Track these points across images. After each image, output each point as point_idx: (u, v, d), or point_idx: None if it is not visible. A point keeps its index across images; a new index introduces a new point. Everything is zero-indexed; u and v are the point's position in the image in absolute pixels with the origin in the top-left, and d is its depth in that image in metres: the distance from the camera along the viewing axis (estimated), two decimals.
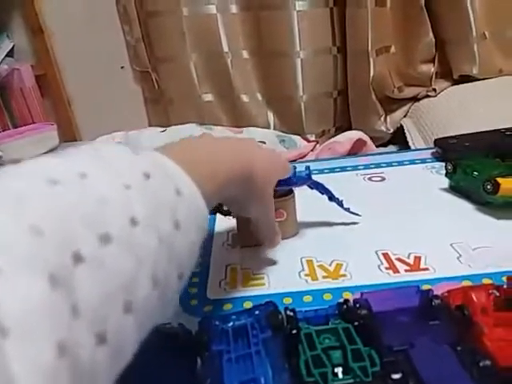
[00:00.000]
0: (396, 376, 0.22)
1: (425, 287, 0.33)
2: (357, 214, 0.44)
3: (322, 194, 0.43)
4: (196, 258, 0.23)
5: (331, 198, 0.43)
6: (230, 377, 0.24)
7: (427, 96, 1.11)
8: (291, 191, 0.43)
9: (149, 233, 0.18)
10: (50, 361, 0.13)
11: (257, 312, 0.28)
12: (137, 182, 0.19)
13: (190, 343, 0.27)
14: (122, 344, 0.17)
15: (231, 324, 0.27)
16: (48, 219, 0.15)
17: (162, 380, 0.25)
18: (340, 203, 0.44)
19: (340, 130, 1.18)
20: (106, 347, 0.15)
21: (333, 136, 0.91)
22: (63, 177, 0.17)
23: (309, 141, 1.02)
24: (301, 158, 0.87)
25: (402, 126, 1.12)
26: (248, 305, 0.34)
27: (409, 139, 1.07)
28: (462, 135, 0.58)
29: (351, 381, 0.23)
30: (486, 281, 0.34)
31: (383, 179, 0.55)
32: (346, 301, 0.28)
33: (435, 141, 0.60)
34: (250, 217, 0.35)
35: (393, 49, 1.15)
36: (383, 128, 1.15)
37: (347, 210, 0.44)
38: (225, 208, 0.40)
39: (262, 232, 0.37)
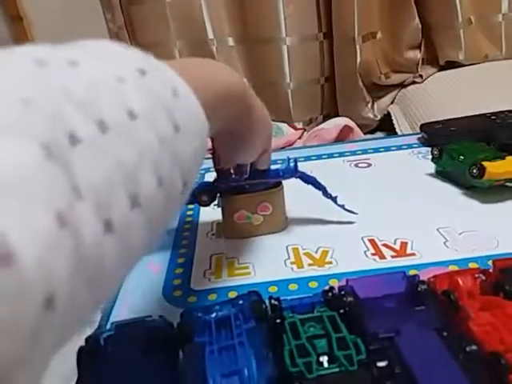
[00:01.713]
0: (382, 364, 0.22)
1: (411, 272, 0.33)
2: (353, 212, 0.42)
3: (317, 189, 0.41)
4: (199, 167, 0.23)
5: (325, 193, 0.41)
6: (213, 369, 0.23)
7: (414, 82, 1.11)
8: (279, 183, 0.41)
9: (149, 130, 0.18)
10: (48, 228, 0.12)
11: (240, 302, 0.27)
12: (132, 77, 0.18)
13: (172, 336, 0.26)
14: (130, 239, 0.16)
15: (214, 315, 0.26)
16: (38, 96, 0.14)
17: (144, 375, 0.24)
18: (334, 200, 0.42)
19: (328, 117, 1.17)
20: (113, 237, 0.15)
21: (320, 123, 0.90)
22: (52, 60, 0.16)
23: (296, 128, 1.02)
24: (288, 145, 0.87)
25: (389, 113, 1.12)
26: (233, 294, 0.33)
27: (396, 126, 1.07)
28: (447, 120, 0.58)
29: (337, 369, 0.22)
30: (472, 265, 0.34)
31: (369, 165, 0.55)
32: (331, 288, 0.28)
33: (421, 126, 0.60)
34: (232, 161, 0.35)
35: (379, 35, 1.14)
36: (370, 115, 1.14)
37: (342, 206, 0.42)
38: (204, 198, 0.39)
39: (222, 162, 0.36)
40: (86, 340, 0.26)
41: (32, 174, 0.12)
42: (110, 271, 0.15)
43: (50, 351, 0.13)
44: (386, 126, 1.11)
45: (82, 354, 0.25)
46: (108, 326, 0.30)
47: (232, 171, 0.39)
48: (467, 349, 0.22)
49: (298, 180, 0.41)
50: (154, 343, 0.25)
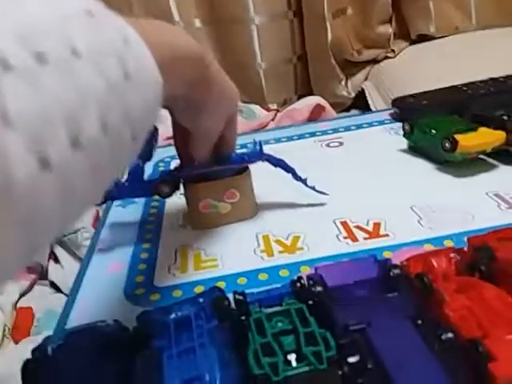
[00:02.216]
0: (353, 359, 0.20)
1: (385, 255, 0.32)
2: (323, 193, 0.40)
3: (286, 172, 0.39)
4: (150, 123, 0.22)
5: (294, 176, 0.40)
6: (171, 376, 0.21)
7: (387, 57, 1.10)
8: (246, 168, 0.39)
9: (94, 71, 0.16)
10: None
11: (201, 300, 0.25)
12: (78, 16, 0.17)
13: (128, 341, 0.24)
14: (72, 181, 0.15)
15: (173, 316, 0.24)
16: None
17: None
18: (304, 182, 0.40)
19: (302, 97, 1.14)
20: (51, 176, 0.14)
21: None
22: None
23: (269, 110, 0.99)
24: (261, 127, 0.84)
25: (363, 90, 1.10)
26: (199, 290, 0.31)
27: (370, 102, 1.06)
28: (419, 94, 0.56)
29: (305, 369, 0.21)
30: (447, 243, 0.32)
31: (341, 144, 0.53)
32: (300, 278, 0.26)
33: (393, 101, 0.58)
34: (194, 131, 0.33)
35: (349, 10, 1.12)
36: (344, 93, 1.13)
37: (312, 188, 0.40)
38: (165, 189, 0.37)
39: (197, 147, 0.35)
40: (33, 351, 0.23)
41: None
42: (48, 212, 0.15)
43: None
44: (360, 103, 1.09)
45: (27, 366, 0.23)
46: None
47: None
48: (443, 337, 0.21)
49: (267, 164, 0.39)
50: (107, 350, 0.23)
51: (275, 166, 0.39)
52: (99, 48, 0.17)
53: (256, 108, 0.97)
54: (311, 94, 1.15)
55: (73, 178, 0.16)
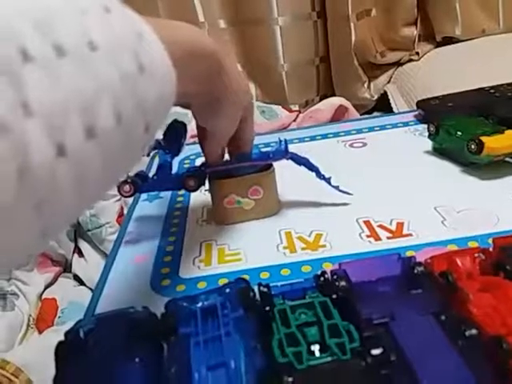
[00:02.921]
0: (376, 351, 0.21)
1: (408, 254, 0.32)
2: (347, 193, 0.40)
3: (310, 170, 0.40)
4: (164, 116, 0.23)
5: (318, 175, 0.40)
6: (198, 362, 0.22)
7: (410, 60, 1.09)
8: (270, 166, 0.39)
9: (110, 63, 0.17)
10: None
11: (227, 290, 0.25)
12: (95, 11, 0.18)
13: (156, 328, 0.24)
14: (85, 169, 0.16)
15: (200, 304, 0.25)
16: None
17: (126, 369, 0.23)
18: (328, 181, 0.40)
19: (324, 98, 1.14)
20: (66, 162, 0.15)
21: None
22: None
23: (291, 110, 0.99)
24: (283, 128, 0.85)
25: (386, 92, 1.09)
26: (223, 282, 0.32)
27: (393, 105, 1.05)
28: (444, 96, 0.56)
29: (329, 359, 0.21)
30: (471, 244, 0.32)
31: (365, 145, 0.53)
32: (324, 273, 0.26)
33: (417, 103, 0.58)
34: (210, 129, 0.34)
35: (374, 12, 1.12)
36: (367, 95, 1.12)
37: (336, 188, 0.40)
38: (191, 183, 0.38)
39: (210, 145, 0.36)
40: (65, 334, 0.24)
41: None
42: (62, 199, 0.15)
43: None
44: (383, 105, 1.09)
45: (61, 348, 0.24)
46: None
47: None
48: (467, 333, 0.21)
49: (291, 162, 0.40)
50: (136, 335, 0.24)
51: (299, 164, 0.40)
52: (114, 42, 0.18)
53: (278, 108, 0.97)
54: (333, 95, 1.14)
55: (86, 165, 0.16)
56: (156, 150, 0.39)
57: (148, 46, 0.20)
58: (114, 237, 0.42)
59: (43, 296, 0.67)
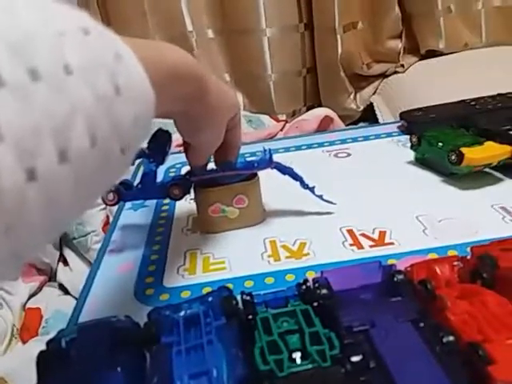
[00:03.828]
0: (356, 358, 0.21)
1: (390, 262, 0.32)
2: (331, 202, 0.41)
3: (294, 180, 0.40)
4: (142, 137, 0.23)
5: (302, 184, 0.40)
6: (180, 370, 0.22)
7: (396, 72, 1.11)
8: (255, 175, 0.40)
9: (85, 86, 0.17)
10: None
11: (210, 298, 0.26)
12: (73, 33, 0.17)
13: (138, 337, 0.24)
14: (57, 194, 0.16)
15: (183, 313, 0.25)
16: None
17: (108, 378, 0.23)
18: (312, 190, 0.41)
19: (311, 109, 1.16)
20: (36, 187, 0.15)
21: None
22: None
23: (278, 120, 1.00)
24: (270, 137, 0.85)
25: (371, 104, 1.11)
26: (207, 291, 0.32)
27: (378, 116, 1.07)
28: (427, 107, 0.57)
29: (309, 366, 0.21)
30: (451, 252, 0.33)
31: (349, 155, 0.54)
32: (306, 281, 0.27)
33: (400, 114, 0.59)
34: (194, 144, 0.34)
35: (360, 25, 1.14)
36: (353, 106, 1.14)
37: (320, 197, 0.41)
38: (175, 192, 0.38)
39: (195, 157, 0.36)
40: (47, 343, 0.24)
41: None
42: (33, 222, 0.15)
43: None
44: (368, 116, 1.10)
45: (42, 357, 0.23)
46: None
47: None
48: (444, 340, 0.21)
49: (275, 171, 0.40)
50: (119, 344, 0.24)
51: (283, 173, 0.40)
52: (91, 63, 0.18)
53: (265, 118, 0.98)
54: (320, 105, 1.16)
55: (58, 189, 0.16)
56: (141, 159, 0.39)
57: (126, 67, 0.20)
58: (100, 245, 0.42)
59: (27, 305, 0.66)
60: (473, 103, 0.55)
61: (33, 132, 0.15)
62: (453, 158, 0.41)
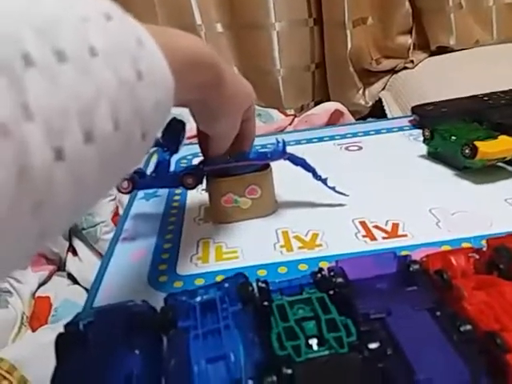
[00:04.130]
0: (373, 345, 0.21)
1: (403, 253, 0.32)
2: (343, 194, 0.41)
3: (307, 171, 0.40)
4: (161, 123, 0.23)
5: (315, 175, 0.40)
6: (197, 354, 0.22)
7: (405, 68, 1.10)
8: (267, 166, 0.40)
9: (109, 69, 0.17)
10: None
11: (226, 285, 0.26)
12: (96, 18, 0.18)
13: (155, 321, 0.25)
14: (83, 173, 0.16)
15: (199, 299, 0.25)
16: None
17: (125, 362, 0.23)
18: (324, 182, 0.41)
19: (319, 104, 1.16)
20: (64, 166, 0.15)
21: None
22: None
23: (287, 114, 1.00)
24: (279, 131, 0.85)
25: (380, 99, 1.11)
26: (220, 279, 0.32)
27: (387, 112, 1.06)
28: (439, 102, 0.57)
29: (326, 352, 0.22)
30: (465, 245, 0.33)
31: (360, 148, 0.54)
32: (321, 269, 0.27)
33: (412, 108, 0.59)
34: (211, 134, 0.34)
35: (370, 20, 1.13)
36: (362, 101, 1.13)
37: (332, 188, 0.41)
38: (189, 181, 0.38)
39: (213, 148, 0.36)
40: (65, 326, 0.24)
41: None
42: (60, 201, 0.15)
43: None
44: (377, 112, 1.10)
45: (60, 340, 0.24)
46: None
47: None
48: (461, 328, 0.21)
49: (287, 162, 0.40)
50: (136, 328, 0.24)
51: (296, 164, 0.40)
52: (114, 48, 0.18)
53: (274, 112, 0.98)
54: (328, 100, 1.16)
55: (84, 169, 0.16)
56: (155, 148, 0.39)
57: (147, 53, 0.20)
58: (109, 236, 0.42)
59: (37, 294, 0.66)
60: (485, 98, 0.55)
61: (60, 112, 0.15)
62: (466, 151, 0.41)
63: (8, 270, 0.16)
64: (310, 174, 0.40)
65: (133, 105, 0.19)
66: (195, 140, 0.39)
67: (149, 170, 0.39)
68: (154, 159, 0.39)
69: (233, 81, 0.32)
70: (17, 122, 0.13)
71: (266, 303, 0.24)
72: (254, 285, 0.26)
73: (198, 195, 0.44)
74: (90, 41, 0.17)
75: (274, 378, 0.20)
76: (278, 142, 0.39)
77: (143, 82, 0.19)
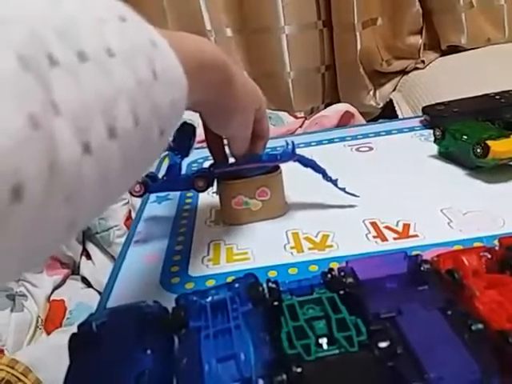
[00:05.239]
0: (383, 344, 0.21)
1: (414, 253, 0.32)
2: (354, 195, 0.41)
3: (316, 172, 0.40)
4: (176, 122, 0.24)
5: (325, 176, 0.40)
6: (208, 354, 0.22)
7: (416, 68, 1.10)
8: (277, 168, 0.40)
9: (126, 69, 0.18)
10: (20, 125, 0.13)
11: (236, 285, 0.26)
12: (112, 20, 0.18)
13: (167, 321, 0.25)
14: (108, 167, 0.17)
15: (210, 299, 0.26)
16: (17, 15, 0.14)
17: (138, 361, 0.23)
18: (334, 182, 0.41)
19: (329, 106, 1.16)
20: (91, 160, 0.16)
21: None
22: None
23: (297, 117, 1.00)
24: (289, 134, 0.85)
25: (391, 100, 1.10)
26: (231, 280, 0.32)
27: (398, 113, 1.06)
28: (450, 101, 0.56)
29: (336, 351, 0.22)
30: (477, 245, 0.32)
31: (371, 149, 0.54)
32: (331, 270, 0.27)
33: (423, 108, 0.58)
34: (225, 135, 0.35)
35: (379, 21, 1.13)
36: (373, 103, 1.13)
37: (343, 190, 0.41)
38: (200, 184, 0.38)
39: (233, 148, 0.37)
40: (79, 327, 0.25)
41: (4, 77, 0.13)
42: (88, 193, 0.16)
43: (18, 247, 0.14)
44: (388, 113, 1.09)
45: (73, 340, 0.24)
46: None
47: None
48: (473, 327, 0.21)
49: (297, 164, 0.40)
50: (148, 329, 0.24)
51: (306, 166, 0.40)
52: (130, 49, 0.19)
53: (284, 115, 0.98)
54: (338, 102, 1.15)
55: (109, 163, 0.17)
56: (166, 152, 0.40)
57: (161, 54, 0.21)
58: (122, 240, 0.43)
59: (51, 297, 0.67)
60: (497, 97, 0.55)
61: (85, 108, 0.16)
62: (478, 150, 0.40)
63: (41, 258, 0.17)
64: (320, 176, 0.40)
65: (150, 103, 0.19)
66: (205, 144, 0.39)
67: (160, 174, 0.40)
68: (166, 163, 0.40)
69: (242, 80, 0.32)
70: (46, 116, 0.14)
71: (276, 303, 0.25)
72: (264, 285, 0.26)
73: (208, 198, 0.44)
74: (108, 42, 0.17)
75: (284, 377, 0.20)
76: (287, 143, 0.40)
77: (159, 82, 0.20)
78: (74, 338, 0.24)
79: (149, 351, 0.23)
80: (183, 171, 0.41)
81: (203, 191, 0.39)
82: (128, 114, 0.18)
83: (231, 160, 0.39)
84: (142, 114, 0.19)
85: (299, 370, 0.20)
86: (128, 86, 0.18)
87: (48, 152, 0.14)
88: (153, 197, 0.48)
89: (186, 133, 0.39)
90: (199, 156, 0.57)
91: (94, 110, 0.16)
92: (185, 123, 0.39)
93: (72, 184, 0.15)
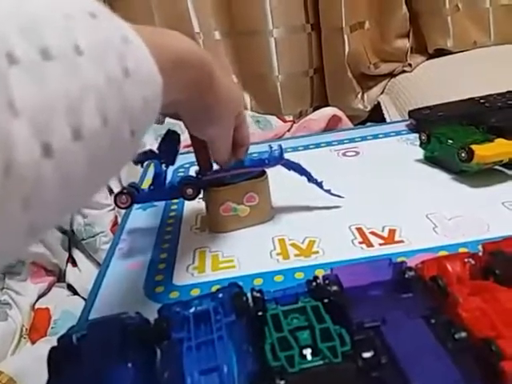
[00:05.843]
0: (367, 354, 0.21)
1: (399, 259, 0.32)
2: (339, 196, 0.41)
3: (301, 175, 0.40)
4: (149, 121, 0.23)
5: (310, 179, 0.40)
6: (190, 366, 0.22)
7: (403, 71, 1.10)
8: (263, 173, 0.40)
9: (95, 67, 0.17)
10: None
11: (220, 295, 0.26)
12: (80, 17, 0.18)
13: (149, 333, 0.24)
14: (71, 170, 0.16)
15: (193, 310, 0.25)
16: None
17: (119, 374, 0.23)
18: (320, 185, 0.41)
19: (318, 109, 1.16)
20: (52, 162, 0.15)
21: None
22: None
23: (285, 121, 1.00)
24: (277, 138, 0.85)
25: (379, 103, 1.11)
26: (216, 289, 0.32)
27: (386, 116, 1.06)
28: (435, 105, 0.57)
29: (320, 362, 0.21)
30: (462, 250, 0.33)
31: (357, 153, 0.54)
32: (316, 278, 0.27)
33: (409, 112, 0.58)
34: (205, 138, 0.34)
35: (367, 24, 1.13)
36: (360, 106, 1.13)
37: (328, 191, 0.41)
38: (189, 192, 0.38)
39: (215, 153, 0.36)
40: (58, 340, 0.24)
41: None
42: (49, 197, 0.15)
43: None
44: (376, 116, 1.10)
45: (53, 354, 0.24)
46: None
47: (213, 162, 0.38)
48: (456, 336, 0.21)
49: (281, 167, 0.40)
50: (129, 341, 0.24)
51: (289, 169, 0.40)
52: (100, 46, 0.18)
53: (272, 119, 0.98)
54: (327, 105, 1.15)
55: (73, 165, 0.16)
56: (150, 160, 0.39)
57: (133, 50, 0.20)
58: (108, 246, 0.42)
59: (36, 306, 0.66)
60: (482, 101, 0.55)
61: (47, 108, 0.15)
62: (463, 155, 0.41)
63: (0, 264, 0.16)
64: (305, 179, 0.40)
65: (121, 101, 0.19)
66: (191, 149, 0.39)
67: (145, 183, 0.39)
68: (150, 171, 0.39)
69: (225, 84, 0.32)
70: (2, 117, 0.13)
71: (260, 313, 0.24)
72: (249, 294, 0.26)
73: (194, 204, 0.44)
74: (75, 39, 0.17)
75: None
76: (272, 147, 0.39)
77: (130, 80, 0.19)
78: (53, 352, 0.24)
79: (130, 364, 0.23)
80: (169, 178, 0.41)
81: (193, 199, 0.39)
82: (95, 114, 0.17)
83: (216, 167, 0.39)
84: (112, 113, 0.18)
85: (282, 382, 0.20)
86: (96, 85, 0.17)
87: (3, 153, 0.13)
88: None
89: (171, 141, 0.38)
90: (186, 161, 0.57)
91: (56, 110, 0.15)
92: (170, 131, 0.38)
93: (30, 187, 0.14)
